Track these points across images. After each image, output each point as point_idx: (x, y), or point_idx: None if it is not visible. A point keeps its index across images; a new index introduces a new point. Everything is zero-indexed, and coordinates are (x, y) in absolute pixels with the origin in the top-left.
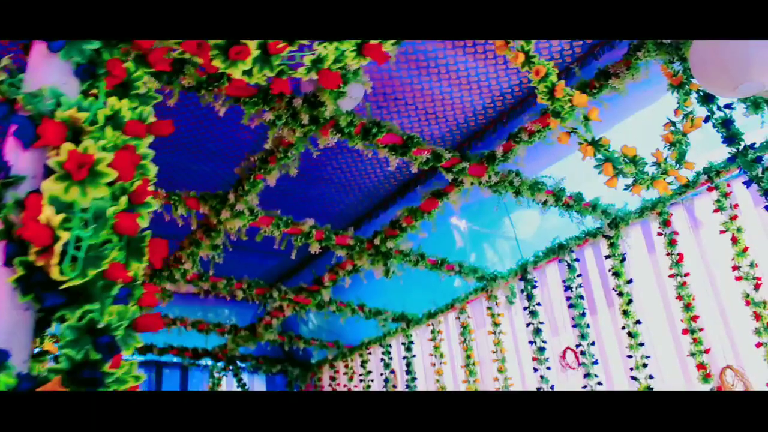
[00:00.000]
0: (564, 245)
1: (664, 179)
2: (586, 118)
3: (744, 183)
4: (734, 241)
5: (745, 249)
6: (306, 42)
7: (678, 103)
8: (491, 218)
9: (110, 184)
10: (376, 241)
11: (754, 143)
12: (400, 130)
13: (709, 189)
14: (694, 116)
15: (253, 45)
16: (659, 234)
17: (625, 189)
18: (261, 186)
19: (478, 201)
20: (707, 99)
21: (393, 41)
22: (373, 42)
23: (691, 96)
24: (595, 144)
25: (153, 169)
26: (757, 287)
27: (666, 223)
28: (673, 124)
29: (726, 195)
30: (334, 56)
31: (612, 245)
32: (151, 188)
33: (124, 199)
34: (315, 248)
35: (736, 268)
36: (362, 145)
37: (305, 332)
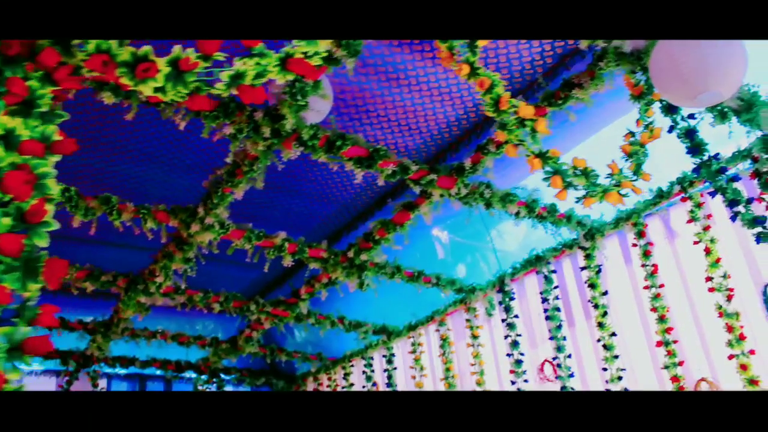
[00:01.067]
0: (541, 257)
1: (618, 191)
2: (534, 131)
3: (709, 194)
4: (707, 251)
5: (718, 260)
6: (222, 58)
7: (639, 113)
8: (475, 230)
9: (5, 204)
10: (350, 254)
11: (718, 153)
12: (365, 142)
13: (683, 199)
14: (654, 126)
15: (162, 62)
16: (634, 245)
17: (576, 202)
18: (230, 199)
19: (462, 213)
20: (670, 109)
21: (322, 55)
22: (298, 56)
23: (653, 106)
24: (543, 156)
25: (55, 188)
26: (729, 298)
27: (641, 234)
28: (633, 134)
29: (699, 205)
30: (256, 71)
31: (588, 256)
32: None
33: (6, 220)
34: (288, 261)
35: (709, 279)
36: (326, 157)
37: (292, 345)
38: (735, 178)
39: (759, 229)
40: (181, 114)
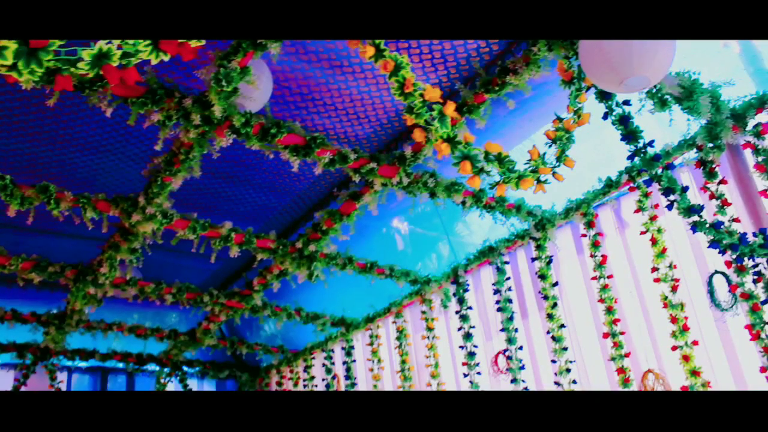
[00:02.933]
0: (494, 247)
1: (537, 177)
2: (442, 114)
3: (644, 182)
4: (654, 241)
5: (664, 250)
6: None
7: (569, 98)
8: (439, 220)
9: None
10: (299, 245)
11: (653, 141)
12: (302, 130)
13: (631, 189)
14: (582, 112)
15: (8, 40)
16: (583, 235)
17: (490, 188)
18: (170, 188)
19: (426, 203)
20: (605, 95)
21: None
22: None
23: (584, 92)
24: (451, 141)
25: None
26: (674, 289)
27: (590, 224)
28: (560, 120)
29: (647, 195)
30: (123, 51)
31: (539, 247)
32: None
33: None
34: (234, 252)
35: (655, 269)
36: (261, 145)
37: (262, 338)
38: (670, 166)
39: (695, 218)
40: (107, 100)
